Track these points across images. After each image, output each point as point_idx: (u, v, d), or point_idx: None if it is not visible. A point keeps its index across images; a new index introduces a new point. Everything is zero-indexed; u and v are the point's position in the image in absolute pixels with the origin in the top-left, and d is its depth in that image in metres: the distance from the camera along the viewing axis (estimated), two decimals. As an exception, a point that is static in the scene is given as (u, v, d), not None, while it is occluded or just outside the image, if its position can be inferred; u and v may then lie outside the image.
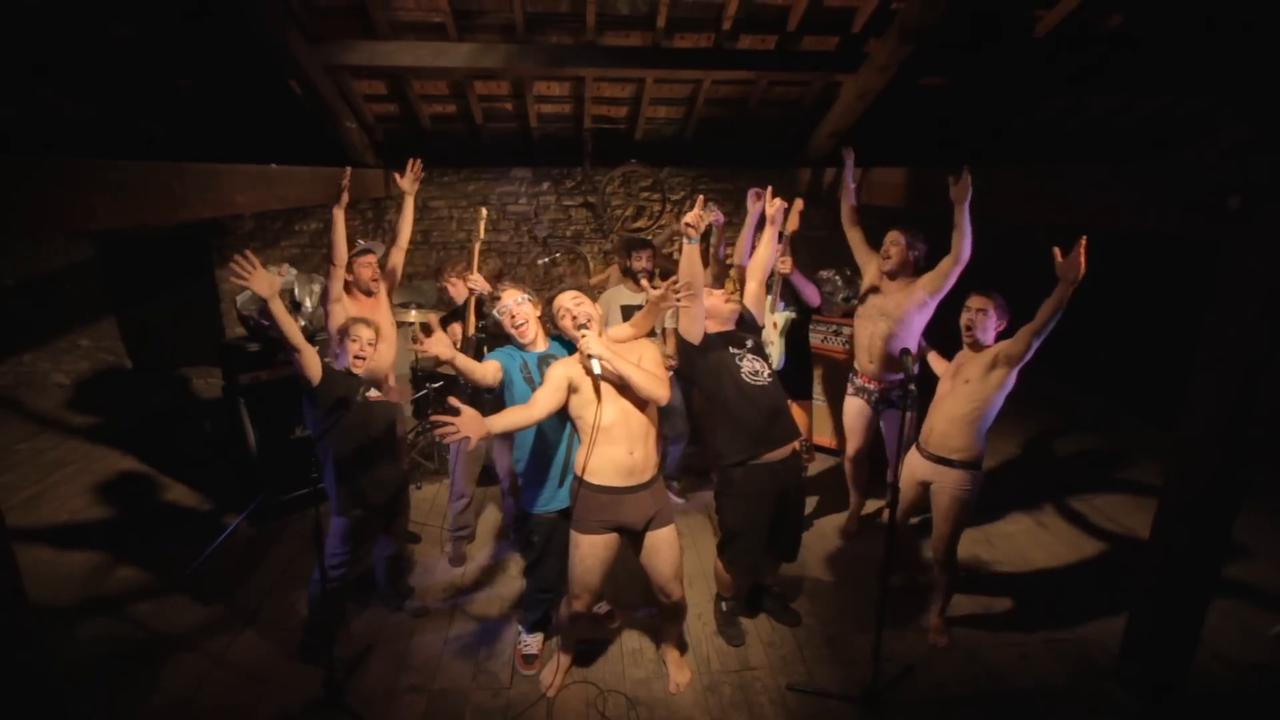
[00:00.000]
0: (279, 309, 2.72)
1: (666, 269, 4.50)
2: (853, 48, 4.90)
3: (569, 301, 2.70)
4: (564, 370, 2.61)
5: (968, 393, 2.98)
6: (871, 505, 4.34)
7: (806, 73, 5.17)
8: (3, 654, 2.13)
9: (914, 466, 3.20)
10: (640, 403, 2.64)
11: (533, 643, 3.16)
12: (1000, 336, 3.02)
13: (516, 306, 2.89)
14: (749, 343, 3.02)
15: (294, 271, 4.50)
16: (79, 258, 6.48)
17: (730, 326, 3.05)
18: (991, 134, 6.17)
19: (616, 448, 2.61)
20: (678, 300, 2.63)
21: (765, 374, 2.96)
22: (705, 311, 2.90)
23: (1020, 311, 2.97)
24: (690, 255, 2.68)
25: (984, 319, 2.99)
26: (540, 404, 2.55)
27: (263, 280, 2.65)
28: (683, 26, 4.72)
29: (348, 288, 3.62)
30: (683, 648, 3.16)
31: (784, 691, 2.96)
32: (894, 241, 3.69)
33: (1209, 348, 2.41)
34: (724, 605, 3.33)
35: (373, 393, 2.87)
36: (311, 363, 2.84)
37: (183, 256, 6.32)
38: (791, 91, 5.56)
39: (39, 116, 5.21)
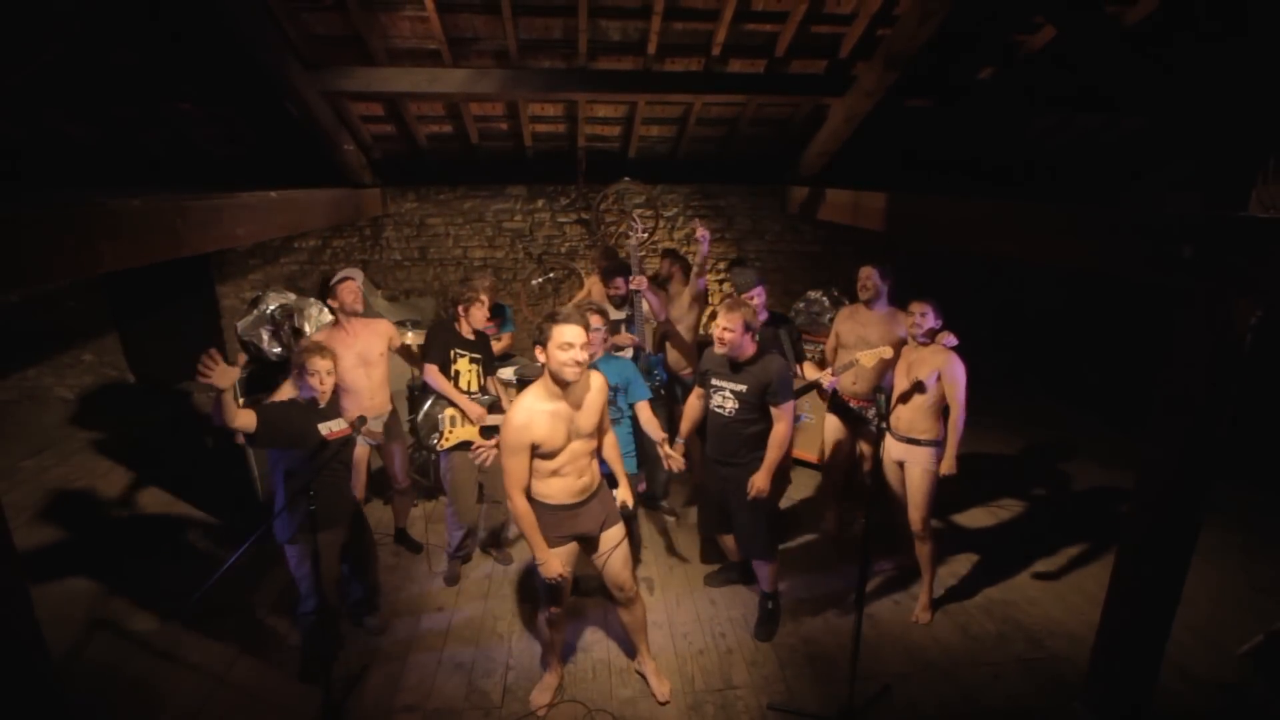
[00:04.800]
0: (229, 401, 2.80)
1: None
2: (840, 72, 4.99)
3: (579, 341, 2.59)
4: (523, 437, 2.62)
5: (948, 399, 3.48)
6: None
7: (795, 96, 5.27)
8: (11, 673, 2.22)
9: (890, 449, 3.67)
10: (588, 441, 2.80)
11: None
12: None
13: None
14: (737, 386, 3.29)
15: (291, 296, 4.60)
16: (82, 273, 6.59)
17: (746, 353, 3.26)
18: (977, 154, 6.27)
19: (566, 479, 2.78)
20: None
21: (728, 410, 3.32)
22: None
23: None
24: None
25: (925, 320, 3.50)
26: (517, 475, 2.66)
27: (224, 375, 2.71)
28: (673, 51, 4.82)
29: (334, 312, 3.85)
30: (653, 651, 3.28)
31: (765, 711, 3.07)
32: (868, 276, 4.00)
33: (1169, 384, 2.51)
34: (769, 604, 3.65)
35: (367, 428, 2.97)
36: (247, 423, 2.88)
37: (184, 272, 6.40)
38: (782, 111, 5.65)
39: (44, 139, 5.32)
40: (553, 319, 2.57)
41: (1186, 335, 2.39)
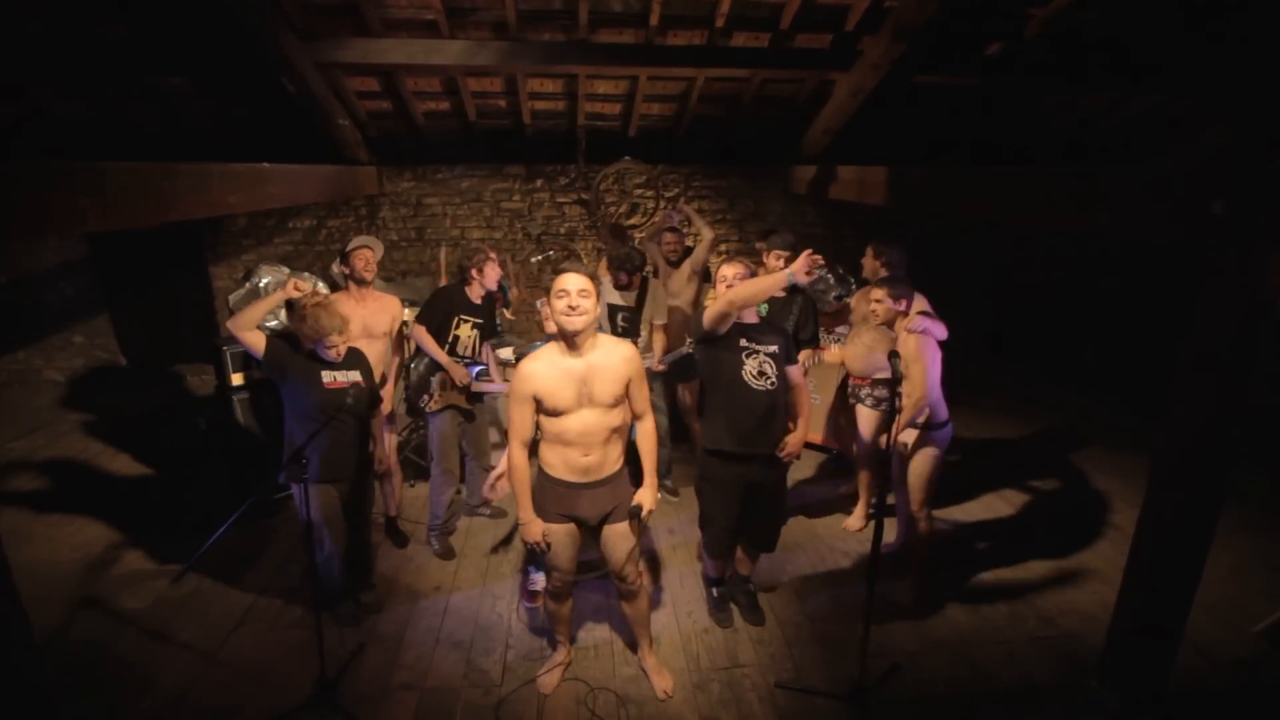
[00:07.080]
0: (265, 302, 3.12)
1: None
2: (846, 45, 4.89)
3: (574, 288, 2.47)
4: (525, 386, 2.54)
5: (909, 377, 3.33)
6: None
7: (800, 70, 5.17)
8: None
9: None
10: (606, 414, 2.58)
11: (538, 580, 3.42)
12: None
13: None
14: (770, 346, 3.00)
15: (285, 270, 4.50)
16: (73, 254, 6.47)
17: (752, 319, 3.05)
18: (985, 132, 6.18)
19: (573, 450, 2.61)
20: None
21: (771, 378, 2.97)
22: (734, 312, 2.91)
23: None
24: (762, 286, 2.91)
25: (880, 307, 3.37)
26: (518, 425, 2.59)
27: (298, 284, 3.15)
28: (676, 24, 4.72)
29: (346, 279, 3.80)
30: (655, 643, 3.16)
31: (773, 689, 2.99)
32: (899, 264, 3.88)
33: (1194, 348, 2.43)
34: (715, 591, 3.46)
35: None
36: (257, 340, 3.03)
37: (177, 253, 6.31)
38: (785, 88, 5.55)
39: (32, 115, 5.19)
40: (555, 270, 2.55)
41: (1214, 295, 2.30)
